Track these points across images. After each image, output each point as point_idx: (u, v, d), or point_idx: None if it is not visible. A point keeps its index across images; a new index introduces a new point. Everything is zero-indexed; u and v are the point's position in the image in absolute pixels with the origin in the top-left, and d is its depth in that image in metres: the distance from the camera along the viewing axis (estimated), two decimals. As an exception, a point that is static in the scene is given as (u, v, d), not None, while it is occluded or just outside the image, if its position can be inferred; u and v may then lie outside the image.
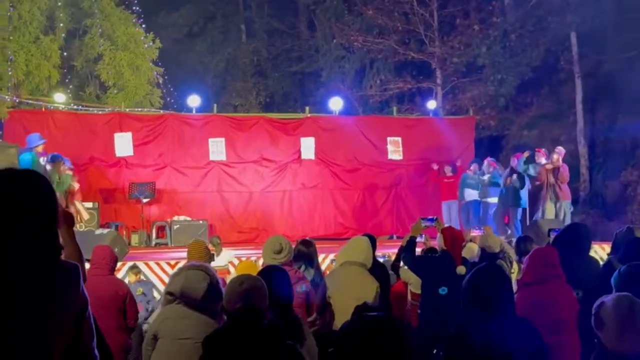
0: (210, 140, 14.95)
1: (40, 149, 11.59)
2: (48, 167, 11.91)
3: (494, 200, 13.63)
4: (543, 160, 13.15)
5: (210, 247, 7.54)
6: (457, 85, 21.22)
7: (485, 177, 14.00)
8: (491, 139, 20.82)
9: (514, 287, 5.78)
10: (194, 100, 15.24)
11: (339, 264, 5.96)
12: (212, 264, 6.37)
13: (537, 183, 13.02)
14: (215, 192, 15.01)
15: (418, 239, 6.80)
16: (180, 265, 7.59)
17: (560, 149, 13.10)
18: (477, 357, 3.13)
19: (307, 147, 15.40)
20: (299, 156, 15.41)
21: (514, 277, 7.06)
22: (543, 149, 13.67)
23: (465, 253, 6.81)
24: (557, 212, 12.59)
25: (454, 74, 21.24)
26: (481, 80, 20.68)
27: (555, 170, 12.65)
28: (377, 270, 6.42)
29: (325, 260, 9.78)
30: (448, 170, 14.89)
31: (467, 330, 3.24)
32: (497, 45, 20.10)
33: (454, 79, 21.26)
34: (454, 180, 14.64)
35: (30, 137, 11.78)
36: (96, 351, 2.59)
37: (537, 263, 4.67)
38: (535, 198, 13.29)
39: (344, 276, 5.76)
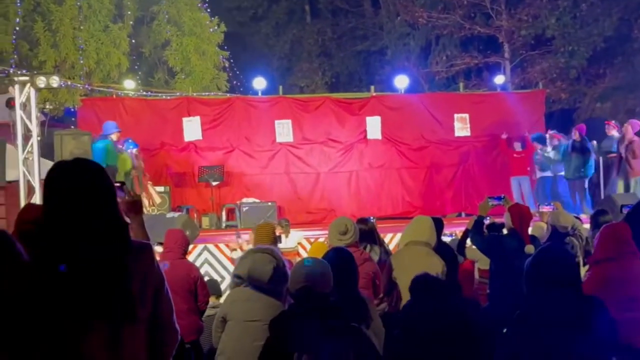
0: (276, 122, 15.05)
1: (114, 137, 11.91)
2: (134, 151, 12.27)
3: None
4: (615, 134, 12.75)
5: (279, 229, 7.65)
6: (525, 58, 20.73)
7: (550, 152, 13.65)
8: (562, 112, 20.30)
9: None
10: (259, 83, 15.34)
11: (404, 244, 5.95)
12: (281, 245, 6.45)
13: (612, 156, 12.65)
14: (282, 173, 15.13)
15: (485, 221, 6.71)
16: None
17: (634, 122, 12.59)
18: (542, 337, 3.09)
19: (373, 126, 15.32)
20: (365, 136, 15.35)
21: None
22: (613, 121, 13.25)
23: (533, 231, 6.69)
24: (625, 189, 12.18)
25: (522, 47, 20.76)
26: (551, 53, 20.16)
27: (628, 145, 12.19)
28: (444, 250, 6.39)
29: (393, 240, 9.77)
30: (517, 145, 14.55)
31: (530, 311, 3.20)
32: (567, 16, 19.51)
33: (522, 52, 20.79)
34: (524, 156, 14.32)
35: (106, 124, 12.13)
36: (177, 325, 2.70)
37: (607, 240, 4.55)
38: (609, 172, 12.94)
39: (409, 256, 5.74)
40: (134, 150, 12.60)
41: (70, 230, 2.43)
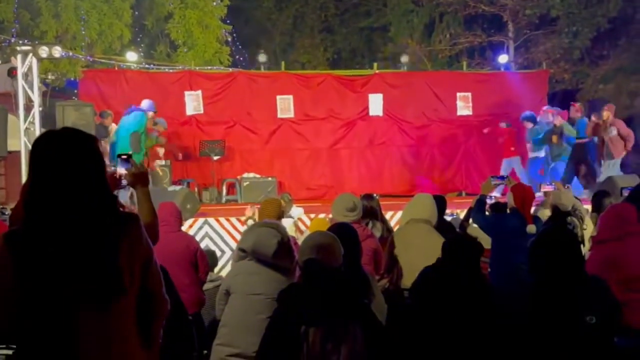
0: (278, 97, 15.00)
1: (150, 115, 11.81)
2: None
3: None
4: (579, 115, 12.91)
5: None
6: (529, 38, 20.61)
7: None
8: (565, 93, 20.22)
9: (589, 244, 5.69)
10: (261, 58, 15.29)
11: (405, 221, 5.97)
12: (282, 220, 6.44)
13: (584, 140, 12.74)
14: (283, 149, 15.11)
15: (487, 200, 6.72)
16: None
17: (611, 106, 12.70)
18: (546, 317, 3.11)
19: (375, 103, 15.28)
20: (367, 113, 15.31)
21: (587, 233, 6.93)
22: (577, 104, 13.33)
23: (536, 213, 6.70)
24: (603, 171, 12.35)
25: (527, 26, 20.62)
26: (555, 33, 20.03)
27: (607, 128, 12.31)
28: (446, 228, 6.41)
29: (393, 218, 9.78)
30: (502, 125, 14.42)
31: (534, 291, 3.22)
32: (572, -5, 19.39)
33: (526, 32, 20.66)
34: (507, 137, 14.23)
35: (147, 101, 12.03)
36: (166, 296, 2.69)
37: (612, 220, 4.57)
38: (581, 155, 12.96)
39: (410, 234, 5.77)
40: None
41: (56, 202, 2.40)
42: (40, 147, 2.49)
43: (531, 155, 13.98)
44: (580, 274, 3.22)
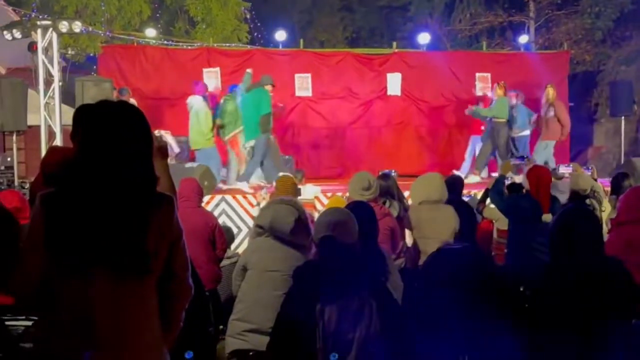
0: (296, 75, 14.95)
1: (270, 88, 11.54)
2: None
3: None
4: (514, 101, 12.56)
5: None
6: (551, 18, 20.39)
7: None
8: (586, 74, 20.00)
9: (608, 226, 5.66)
10: (280, 36, 15.23)
11: (417, 202, 6.00)
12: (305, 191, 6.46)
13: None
14: (300, 127, 15.09)
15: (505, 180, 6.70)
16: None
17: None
18: (565, 297, 3.10)
19: (394, 83, 15.19)
20: (385, 92, 15.23)
21: (605, 215, 6.90)
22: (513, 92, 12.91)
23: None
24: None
25: (548, 6, 20.40)
26: (577, 13, 19.79)
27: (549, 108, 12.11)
28: (463, 208, 6.41)
29: (409, 199, 9.76)
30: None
31: (554, 271, 3.20)
32: (596, -25, 19.14)
33: (548, 12, 20.43)
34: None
35: (265, 76, 11.73)
36: (190, 281, 2.69)
37: (632, 202, 4.53)
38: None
39: (424, 213, 5.81)
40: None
41: (100, 171, 2.40)
42: (94, 116, 2.49)
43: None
44: (599, 254, 3.20)
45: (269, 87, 11.43)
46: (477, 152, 13.28)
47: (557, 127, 12.10)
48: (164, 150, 3.15)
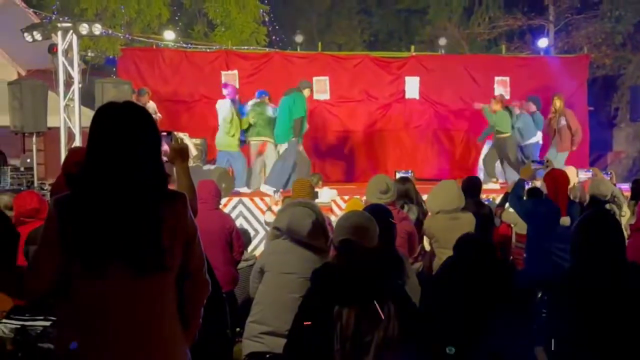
0: (314, 79, 14.92)
1: (307, 92, 11.70)
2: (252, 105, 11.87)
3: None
4: (517, 111, 12.40)
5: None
6: (570, 22, 20.26)
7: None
8: (605, 78, 19.86)
9: (628, 232, 5.61)
10: (298, 39, 15.25)
11: (434, 212, 5.98)
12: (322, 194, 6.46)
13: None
14: (318, 130, 15.08)
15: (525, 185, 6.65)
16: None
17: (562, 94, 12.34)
18: (586, 303, 3.06)
19: (412, 86, 15.16)
20: (403, 95, 15.20)
21: (624, 220, 6.84)
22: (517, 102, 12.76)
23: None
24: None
25: (568, 10, 20.28)
26: (597, 17, 19.66)
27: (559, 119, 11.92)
28: (480, 212, 6.39)
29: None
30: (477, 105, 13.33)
31: (575, 276, 3.17)
32: (616, -21, 19.02)
33: (567, 16, 20.31)
34: None
35: (303, 81, 11.86)
36: (207, 277, 2.71)
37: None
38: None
39: (440, 222, 5.81)
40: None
41: (110, 172, 2.42)
42: (102, 117, 2.51)
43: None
44: (621, 259, 3.17)
45: (306, 91, 11.44)
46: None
47: (568, 137, 12.01)
48: (184, 153, 3.16)
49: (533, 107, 12.55)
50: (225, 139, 11.27)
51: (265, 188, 10.74)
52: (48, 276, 2.41)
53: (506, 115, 12.10)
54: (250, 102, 11.84)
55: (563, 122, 11.92)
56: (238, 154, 11.41)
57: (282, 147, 11.33)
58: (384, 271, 3.09)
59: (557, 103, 12.07)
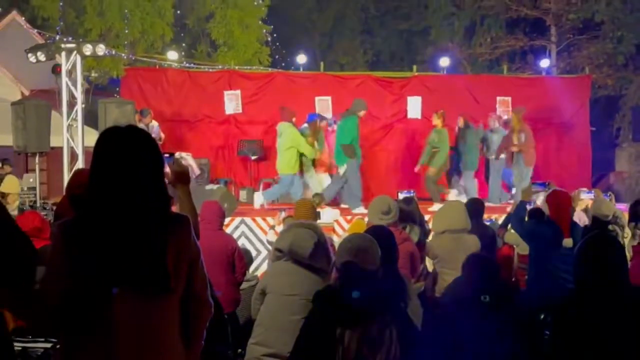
0: (317, 98, 14.99)
1: (362, 114, 11.78)
2: None
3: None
4: (496, 125, 12.48)
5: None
6: (572, 42, 20.35)
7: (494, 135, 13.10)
8: (607, 99, 19.92)
9: (630, 253, 5.60)
10: (301, 59, 15.31)
11: (439, 231, 5.97)
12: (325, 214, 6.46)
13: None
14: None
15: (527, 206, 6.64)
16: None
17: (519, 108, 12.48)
18: (589, 325, 3.06)
19: (414, 106, 15.20)
20: (405, 115, 15.24)
21: (626, 241, 6.82)
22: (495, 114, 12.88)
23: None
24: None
25: (570, 31, 20.37)
26: (599, 38, 19.74)
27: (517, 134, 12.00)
28: (484, 233, 6.37)
29: (429, 224, 9.73)
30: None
31: (579, 298, 3.16)
32: (618, 0, 19.07)
33: (569, 36, 20.41)
34: None
35: (357, 101, 11.93)
36: (210, 299, 2.72)
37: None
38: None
39: (445, 242, 5.79)
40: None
41: (113, 196, 2.44)
42: (105, 141, 2.54)
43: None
44: (624, 281, 3.16)
45: (361, 113, 11.42)
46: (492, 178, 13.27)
47: (533, 151, 12.07)
48: (185, 175, 3.17)
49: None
50: (285, 163, 11.37)
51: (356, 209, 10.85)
52: (55, 300, 2.42)
53: (440, 132, 12.44)
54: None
55: (523, 138, 11.93)
56: (296, 178, 11.49)
57: (342, 170, 11.40)
58: (386, 294, 3.08)
59: (514, 119, 12.10)
